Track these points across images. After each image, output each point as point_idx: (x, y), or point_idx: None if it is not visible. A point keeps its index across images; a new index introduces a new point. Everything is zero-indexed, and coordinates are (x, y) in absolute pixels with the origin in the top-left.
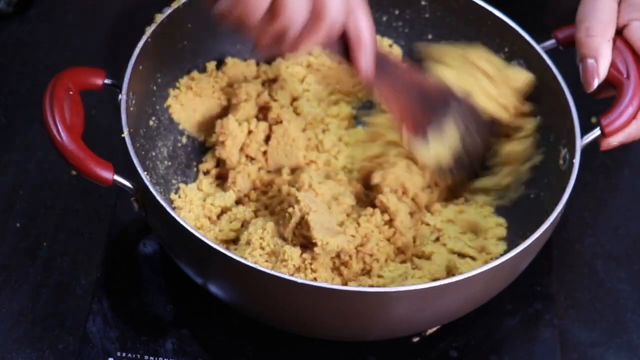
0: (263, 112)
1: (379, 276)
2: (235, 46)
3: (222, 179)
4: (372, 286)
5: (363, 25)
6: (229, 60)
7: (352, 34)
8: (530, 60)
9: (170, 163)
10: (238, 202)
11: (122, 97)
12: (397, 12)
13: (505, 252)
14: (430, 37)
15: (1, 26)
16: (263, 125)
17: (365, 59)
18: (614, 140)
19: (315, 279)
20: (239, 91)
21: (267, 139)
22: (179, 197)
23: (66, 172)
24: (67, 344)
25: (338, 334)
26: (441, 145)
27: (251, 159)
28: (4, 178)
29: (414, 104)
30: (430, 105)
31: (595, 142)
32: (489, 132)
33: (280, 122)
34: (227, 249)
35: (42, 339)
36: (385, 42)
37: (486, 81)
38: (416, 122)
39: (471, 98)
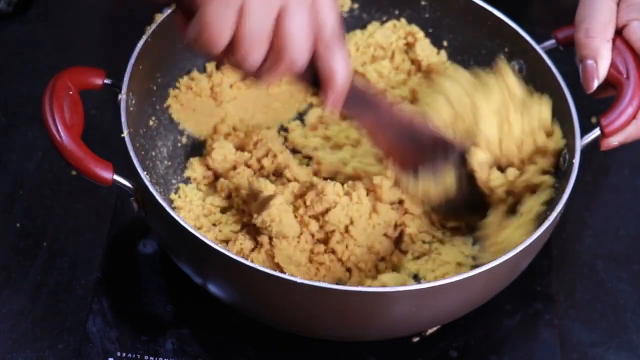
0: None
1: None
2: None
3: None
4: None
5: (336, 66)
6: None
7: (324, 72)
8: (530, 61)
9: (170, 163)
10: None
11: (122, 97)
12: (396, 12)
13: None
14: (429, 37)
15: (1, 26)
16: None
17: (333, 100)
18: (614, 140)
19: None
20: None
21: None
22: (179, 197)
23: (66, 172)
24: (67, 344)
25: (338, 334)
26: (433, 184)
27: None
28: (4, 178)
29: (401, 142)
30: (421, 147)
31: (595, 142)
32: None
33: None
34: (227, 249)
35: (42, 339)
36: (385, 42)
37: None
38: (404, 159)
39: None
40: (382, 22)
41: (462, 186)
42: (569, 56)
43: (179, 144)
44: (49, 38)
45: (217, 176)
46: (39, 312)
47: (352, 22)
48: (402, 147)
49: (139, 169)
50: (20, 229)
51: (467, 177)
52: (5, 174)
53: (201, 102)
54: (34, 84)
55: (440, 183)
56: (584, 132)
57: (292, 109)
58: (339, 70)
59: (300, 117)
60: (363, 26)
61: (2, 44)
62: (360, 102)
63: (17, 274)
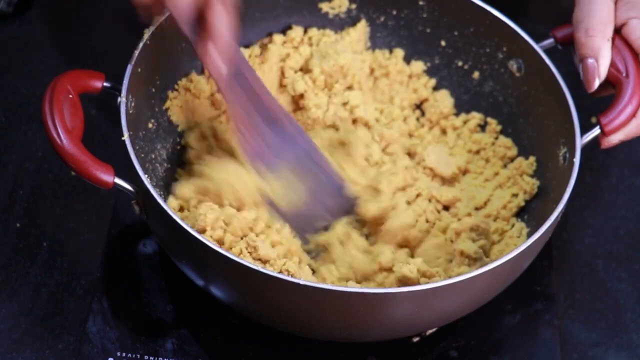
0: None
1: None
2: None
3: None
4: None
5: (218, 21)
6: None
7: (207, 25)
8: (529, 60)
9: (169, 165)
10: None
11: (122, 100)
12: (394, 12)
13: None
14: (428, 37)
15: (1, 26)
16: None
17: (210, 53)
18: (614, 139)
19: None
20: None
21: None
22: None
23: (66, 172)
24: (67, 344)
25: (338, 335)
26: (278, 186)
27: None
28: (4, 178)
29: (261, 130)
30: (281, 141)
31: (596, 142)
32: (338, 196)
33: None
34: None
35: (42, 339)
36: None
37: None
38: (256, 150)
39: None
40: (380, 22)
41: (310, 201)
42: (568, 55)
43: (178, 147)
44: (49, 38)
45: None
46: (39, 312)
47: (350, 22)
48: (258, 136)
49: (140, 172)
50: (20, 229)
51: (316, 193)
52: (5, 174)
53: (200, 104)
54: (34, 84)
55: (287, 187)
56: (583, 131)
57: None
58: (222, 24)
59: None
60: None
61: (2, 44)
62: (239, 77)
63: (17, 274)
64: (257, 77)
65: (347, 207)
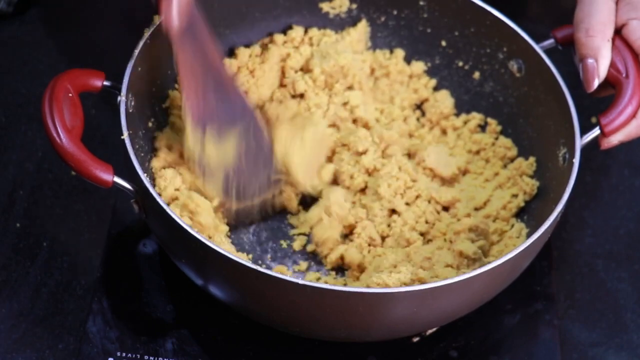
0: None
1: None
2: (232, 48)
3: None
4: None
5: None
6: (226, 62)
7: None
8: (529, 60)
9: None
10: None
11: (122, 99)
12: (395, 12)
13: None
14: (429, 37)
15: (1, 26)
16: None
17: (171, 5)
18: (614, 139)
19: None
20: None
21: None
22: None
23: (66, 172)
24: (67, 344)
25: (338, 335)
26: (213, 148)
27: None
28: (4, 178)
29: (207, 93)
30: (225, 109)
31: (595, 142)
32: (268, 170)
33: None
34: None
35: (42, 339)
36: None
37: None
38: (200, 109)
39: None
40: (380, 22)
41: (242, 165)
42: (568, 55)
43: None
44: (49, 38)
45: None
46: (39, 312)
47: (350, 22)
48: (204, 97)
49: (140, 172)
50: (20, 229)
51: (249, 157)
52: (5, 174)
53: None
54: (34, 84)
55: (222, 150)
56: (583, 131)
57: None
58: None
59: None
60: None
61: (2, 44)
62: (193, 33)
63: (17, 274)
64: (210, 41)
65: (268, 189)
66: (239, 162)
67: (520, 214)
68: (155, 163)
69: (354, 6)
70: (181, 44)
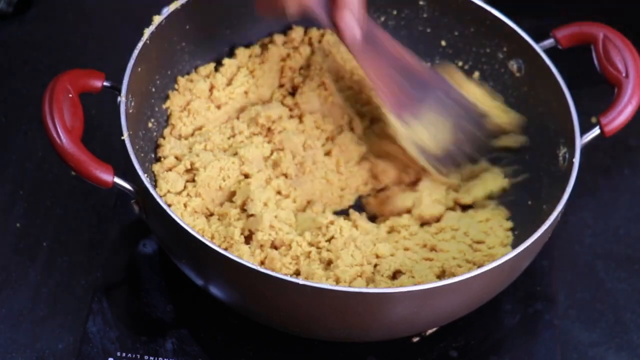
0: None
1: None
2: (231, 48)
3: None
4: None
5: None
6: (226, 62)
7: None
8: (529, 60)
9: None
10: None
11: (122, 99)
12: (395, 12)
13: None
14: (428, 37)
15: (1, 26)
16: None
17: (346, 19)
18: None
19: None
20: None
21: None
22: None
23: (66, 172)
24: (67, 344)
25: (338, 335)
26: (426, 131)
27: None
28: (4, 178)
29: (399, 83)
30: (418, 89)
31: (595, 142)
32: (480, 129)
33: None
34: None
35: (42, 339)
36: None
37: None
38: (400, 102)
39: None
40: (380, 22)
41: (458, 136)
42: (568, 55)
43: None
44: (49, 38)
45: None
46: (39, 312)
47: None
48: (399, 88)
49: (140, 172)
50: (20, 229)
51: (460, 126)
52: (5, 174)
53: (200, 104)
54: (34, 84)
55: (433, 129)
56: (583, 131)
57: None
58: None
59: None
60: None
61: (2, 44)
62: (369, 36)
63: (17, 274)
64: (388, 37)
65: (488, 141)
66: (455, 133)
67: (520, 213)
68: (158, 167)
69: None
70: (364, 51)
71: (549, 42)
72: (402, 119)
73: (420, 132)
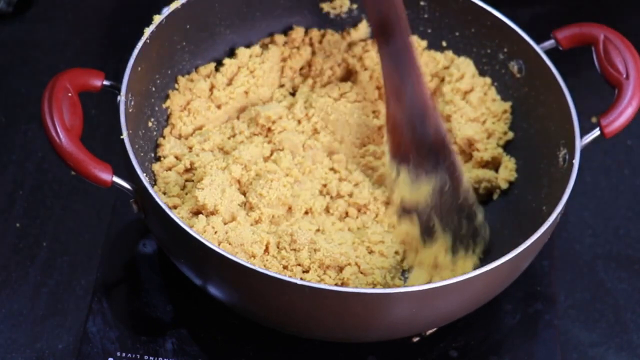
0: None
1: None
2: (232, 48)
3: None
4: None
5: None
6: (227, 62)
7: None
8: (530, 61)
9: None
10: None
11: (121, 98)
12: None
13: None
14: (429, 37)
15: (1, 26)
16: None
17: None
18: None
19: None
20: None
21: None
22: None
23: (66, 172)
24: (67, 344)
25: (337, 335)
26: (408, 188)
27: None
28: (4, 178)
29: (408, 127)
30: (421, 143)
31: (595, 142)
32: (458, 202)
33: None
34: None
35: (42, 339)
36: None
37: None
38: (400, 148)
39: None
40: None
41: (437, 200)
42: (569, 56)
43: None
44: (49, 38)
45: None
46: (39, 312)
47: (351, 23)
48: (406, 133)
49: (139, 171)
50: (20, 229)
51: (444, 192)
52: (5, 174)
53: (200, 103)
54: (34, 84)
55: (416, 189)
56: (583, 132)
57: None
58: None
59: None
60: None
61: (2, 44)
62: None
63: (17, 274)
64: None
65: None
66: (434, 200)
67: (520, 213)
68: (158, 166)
69: (355, 6)
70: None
71: (549, 43)
72: (395, 164)
73: (403, 182)
